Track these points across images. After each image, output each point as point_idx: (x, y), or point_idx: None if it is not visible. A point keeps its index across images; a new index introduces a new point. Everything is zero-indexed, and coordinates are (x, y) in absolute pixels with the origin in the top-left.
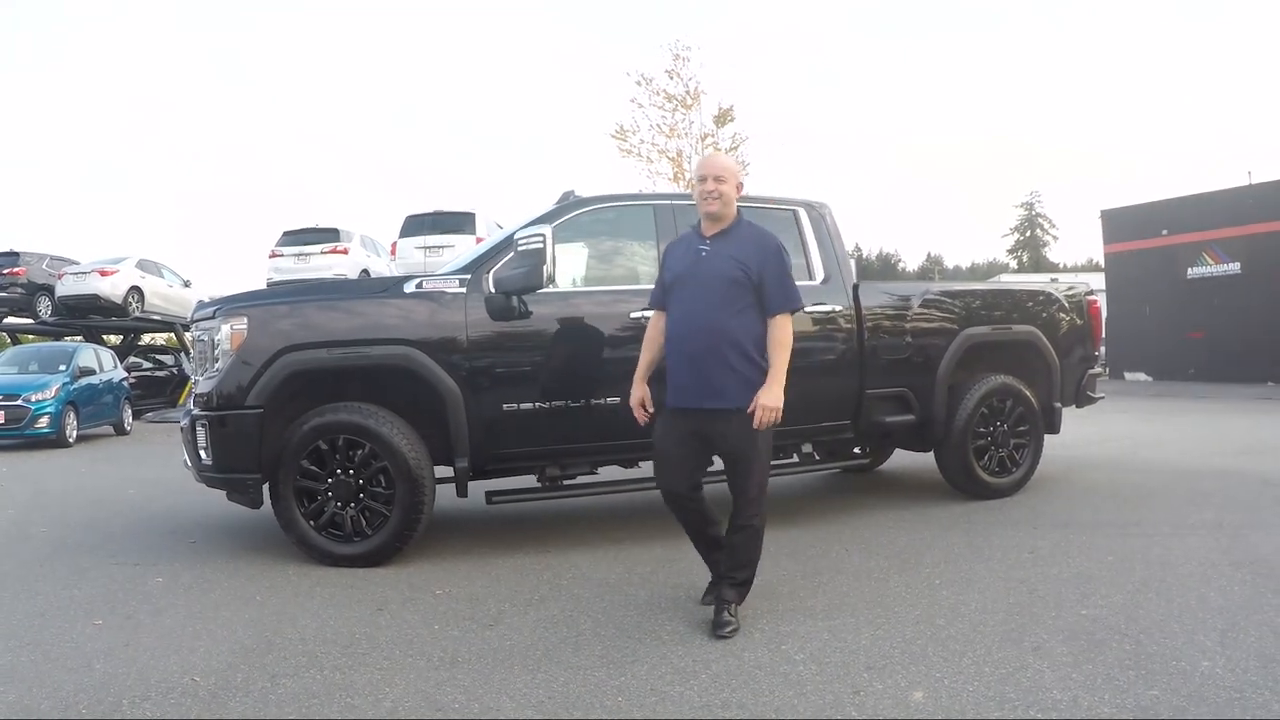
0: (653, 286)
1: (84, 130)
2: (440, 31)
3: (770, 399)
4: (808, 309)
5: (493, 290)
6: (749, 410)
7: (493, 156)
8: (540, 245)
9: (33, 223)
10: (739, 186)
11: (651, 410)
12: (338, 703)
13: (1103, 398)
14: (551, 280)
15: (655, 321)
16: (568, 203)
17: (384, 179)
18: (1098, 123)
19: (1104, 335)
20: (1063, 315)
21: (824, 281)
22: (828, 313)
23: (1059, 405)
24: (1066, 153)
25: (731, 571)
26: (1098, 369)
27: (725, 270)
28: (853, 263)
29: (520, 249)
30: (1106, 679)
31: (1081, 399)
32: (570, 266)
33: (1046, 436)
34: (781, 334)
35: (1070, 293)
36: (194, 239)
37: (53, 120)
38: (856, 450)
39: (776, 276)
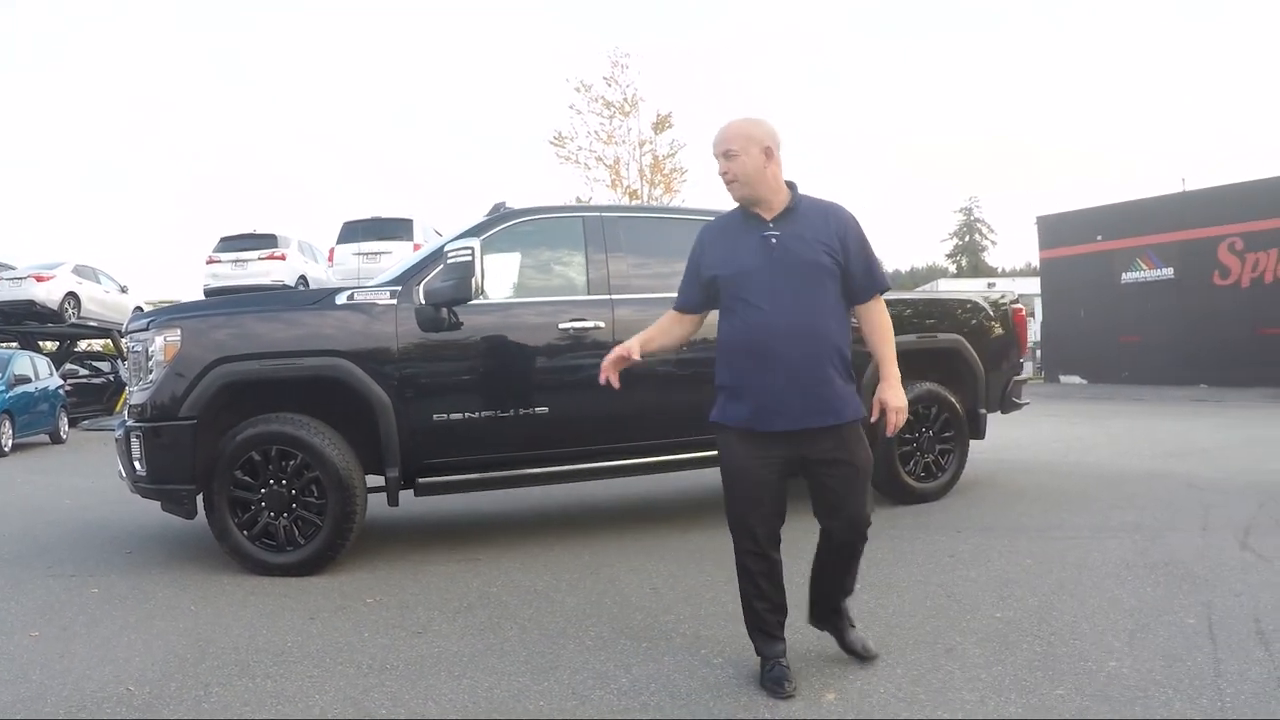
0: (581, 297)
1: (84, 130)
2: (440, 31)
3: (898, 399)
4: None
5: (423, 302)
6: (874, 419)
7: (493, 157)
8: (469, 258)
9: (33, 223)
10: (768, 151)
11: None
12: (268, 710)
13: (1028, 404)
14: (480, 292)
15: (674, 316)
16: (498, 214)
17: (383, 179)
18: (1098, 122)
19: (1040, 339)
20: (988, 324)
21: None
22: None
23: (984, 411)
24: (1066, 153)
25: (848, 591)
26: (1022, 375)
27: (811, 256)
28: None
29: (449, 261)
30: (1014, 680)
31: (1007, 405)
32: (501, 277)
33: (974, 442)
34: (884, 320)
35: (996, 301)
36: (194, 240)
37: (53, 120)
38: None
39: (862, 255)
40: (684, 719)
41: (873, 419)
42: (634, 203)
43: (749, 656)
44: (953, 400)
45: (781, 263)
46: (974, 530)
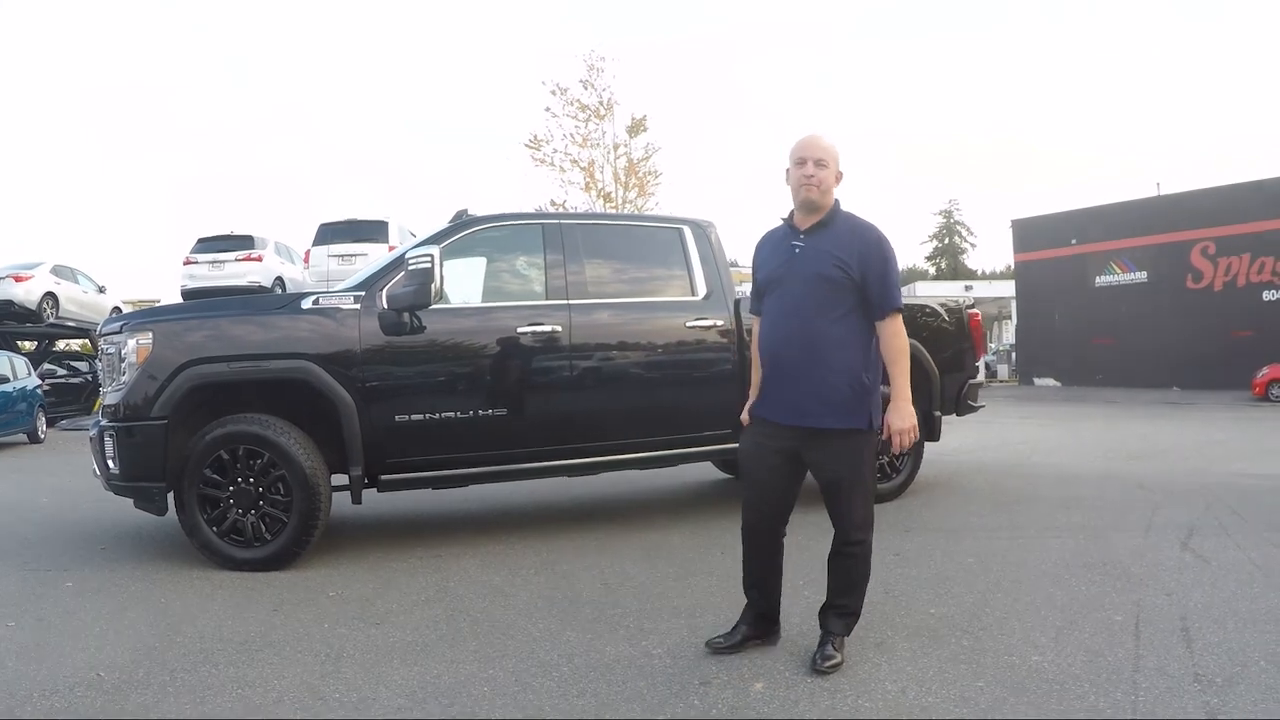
0: (539, 302)
1: (84, 130)
2: (421, 31)
3: (901, 419)
4: (689, 324)
5: (385, 307)
6: (882, 435)
7: (495, 156)
8: (428, 265)
9: (32, 224)
10: (839, 176)
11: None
12: (229, 694)
13: (983, 406)
14: (440, 297)
15: (758, 321)
16: (459, 222)
17: (366, 180)
18: (1097, 123)
19: (1015, 341)
20: (944, 328)
21: (706, 297)
22: (708, 327)
23: (938, 414)
24: (1066, 155)
25: (837, 599)
26: (979, 379)
27: (821, 268)
28: (734, 278)
29: (410, 268)
30: (938, 672)
31: (962, 408)
32: (462, 283)
33: (937, 444)
34: (896, 340)
35: (952, 306)
36: (173, 241)
37: (30, 120)
38: None
39: (879, 273)
40: (613, 715)
41: (883, 437)
42: (592, 210)
43: (688, 648)
44: None
45: (798, 271)
46: (922, 530)
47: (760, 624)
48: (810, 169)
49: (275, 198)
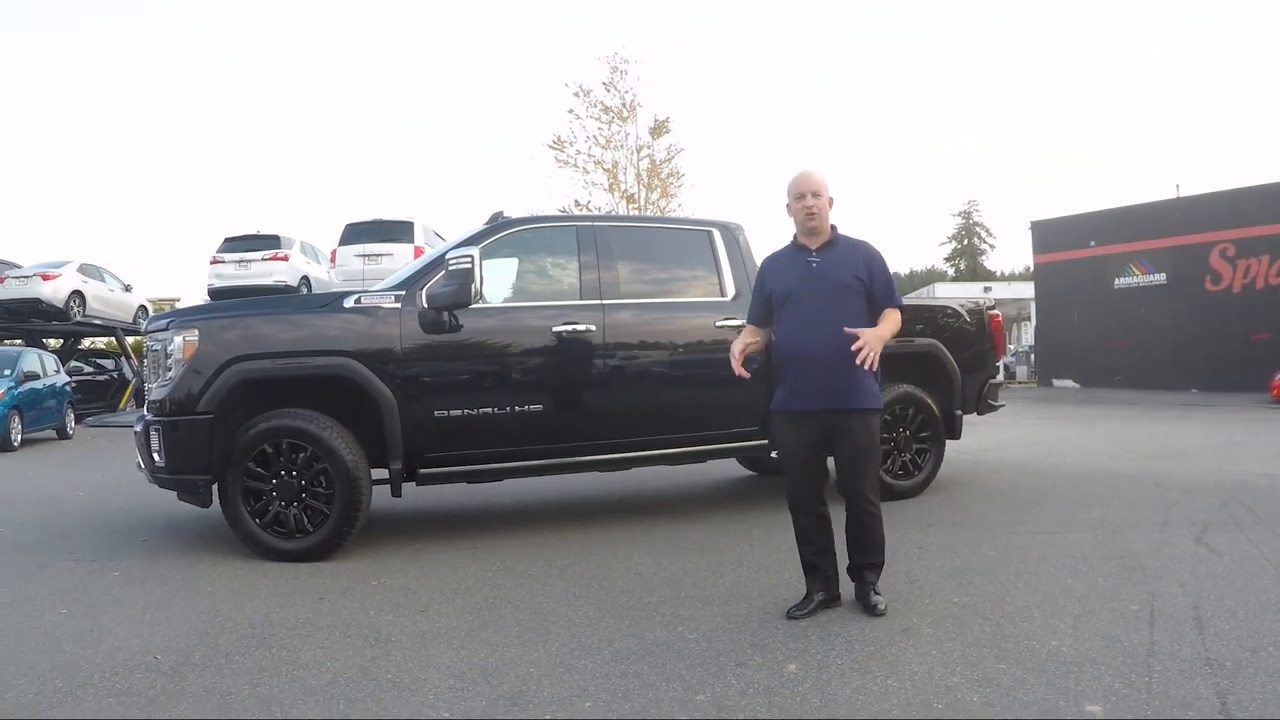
0: (574, 302)
1: (84, 130)
2: (442, 33)
3: (875, 335)
4: (718, 324)
5: (425, 306)
6: (854, 349)
7: (496, 156)
8: (468, 265)
9: (38, 222)
10: (831, 201)
11: (748, 370)
12: (285, 676)
13: (1003, 405)
14: (479, 297)
15: (750, 329)
16: (497, 224)
17: (386, 181)
18: (1101, 124)
19: (1034, 343)
20: (965, 328)
21: (734, 298)
22: (737, 326)
23: (960, 413)
24: (1066, 155)
25: (866, 557)
26: (999, 378)
27: (841, 279)
28: None
29: (450, 268)
30: (962, 655)
31: (983, 407)
32: (499, 283)
33: (956, 442)
34: (892, 316)
35: (972, 307)
36: (198, 240)
37: (59, 119)
38: (774, 455)
39: (884, 280)
40: (657, 682)
41: (858, 342)
42: (626, 212)
43: (722, 634)
44: (929, 402)
45: (819, 283)
46: (943, 525)
47: (828, 587)
48: (809, 201)
49: (275, 197)
